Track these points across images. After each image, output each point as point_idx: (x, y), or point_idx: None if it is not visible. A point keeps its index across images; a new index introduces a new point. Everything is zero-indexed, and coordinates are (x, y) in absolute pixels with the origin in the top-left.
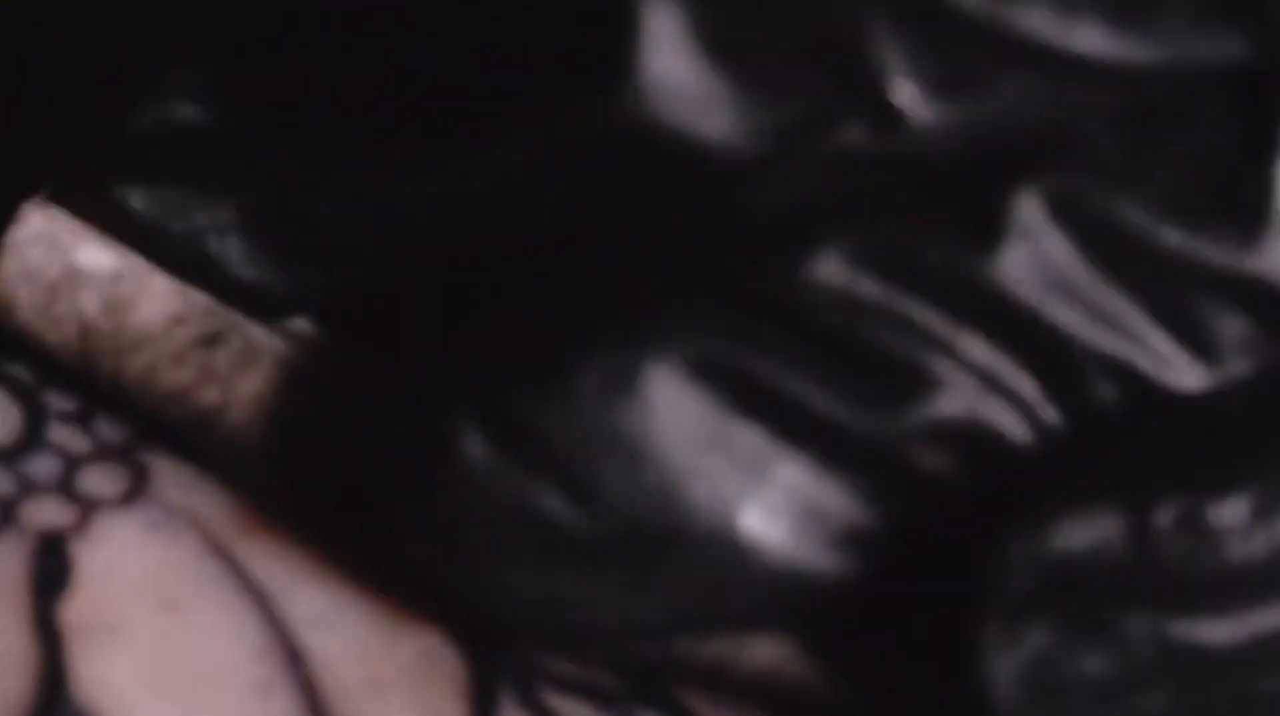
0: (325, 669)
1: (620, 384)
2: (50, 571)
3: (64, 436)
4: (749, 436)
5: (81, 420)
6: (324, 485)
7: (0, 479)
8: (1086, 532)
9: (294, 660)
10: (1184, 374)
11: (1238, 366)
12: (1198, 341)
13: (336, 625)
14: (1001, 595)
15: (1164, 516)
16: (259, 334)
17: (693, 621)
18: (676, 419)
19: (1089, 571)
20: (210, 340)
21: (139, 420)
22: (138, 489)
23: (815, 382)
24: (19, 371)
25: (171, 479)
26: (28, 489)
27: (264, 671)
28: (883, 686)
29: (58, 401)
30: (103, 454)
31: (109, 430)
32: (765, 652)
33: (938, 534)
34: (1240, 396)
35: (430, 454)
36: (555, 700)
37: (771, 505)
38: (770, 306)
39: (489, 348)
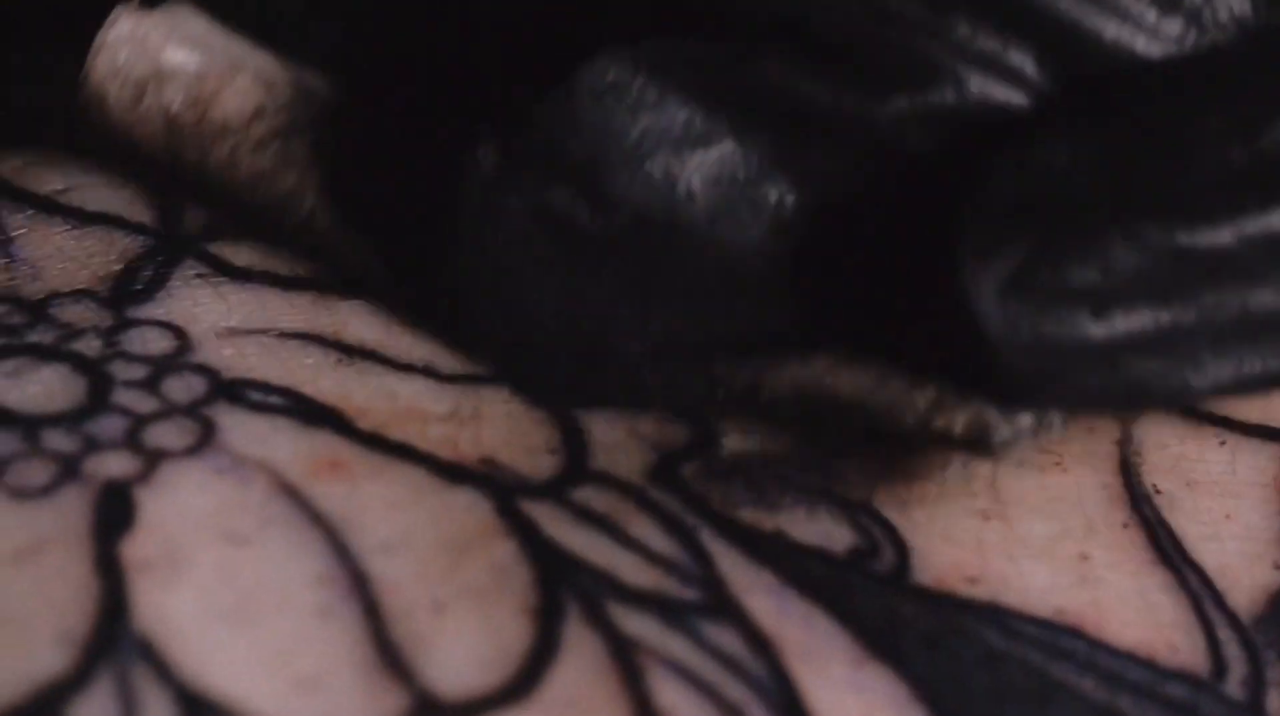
0: (389, 592)
1: (616, 87)
2: (113, 514)
3: (130, 398)
4: (745, 131)
5: (148, 385)
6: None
7: (63, 439)
8: (1065, 147)
9: (357, 585)
10: (1173, 43)
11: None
12: (1181, 8)
13: (403, 551)
14: (981, 206)
15: (1137, 130)
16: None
17: (712, 330)
18: (671, 118)
19: (1068, 183)
20: (288, 132)
21: (208, 380)
22: (205, 440)
23: (811, 79)
24: (85, 347)
25: (240, 432)
26: (92, 446)
27: (325, 596)
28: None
29: (125, 371)
30: (170, 412)
31: (177, 392)
32: (798, 370)
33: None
34: (1221, 54)
35: (451, 172)
36: (622, 615)
37: (770, 199)
38: (758, 19)
39: (498, 72)
